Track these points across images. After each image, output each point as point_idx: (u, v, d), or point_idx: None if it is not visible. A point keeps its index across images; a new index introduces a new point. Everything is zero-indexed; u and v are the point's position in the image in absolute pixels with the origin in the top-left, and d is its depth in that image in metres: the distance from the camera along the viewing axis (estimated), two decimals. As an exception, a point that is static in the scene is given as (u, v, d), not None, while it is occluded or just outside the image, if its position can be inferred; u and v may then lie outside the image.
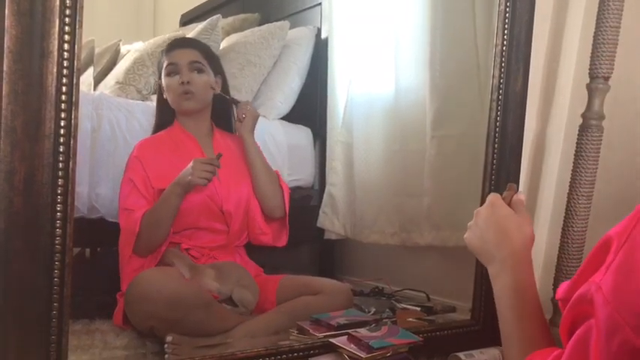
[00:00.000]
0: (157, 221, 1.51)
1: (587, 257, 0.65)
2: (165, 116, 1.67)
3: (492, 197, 0.97)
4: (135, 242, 1.48)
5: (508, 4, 1.38)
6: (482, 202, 1.44)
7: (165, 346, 1.30)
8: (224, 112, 1.72)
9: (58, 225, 0.92)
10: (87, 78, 2.33)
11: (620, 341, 0.54)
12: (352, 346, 1.18)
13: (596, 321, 0.58)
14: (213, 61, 1.68)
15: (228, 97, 1.69)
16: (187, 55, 1.62)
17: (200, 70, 1.62)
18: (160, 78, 1.66)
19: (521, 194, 0.98)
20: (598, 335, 0.57)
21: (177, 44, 1.68)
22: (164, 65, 1.62)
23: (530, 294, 0.87)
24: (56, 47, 0.90)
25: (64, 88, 0.91)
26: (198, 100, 1.62)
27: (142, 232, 1.48)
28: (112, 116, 1.74)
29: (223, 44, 2.30)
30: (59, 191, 0.92)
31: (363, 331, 1.23)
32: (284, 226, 1.71)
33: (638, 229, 0.58)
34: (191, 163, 1.48)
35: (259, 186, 1.66)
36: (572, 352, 0.61)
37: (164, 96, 1.64)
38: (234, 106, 1.70)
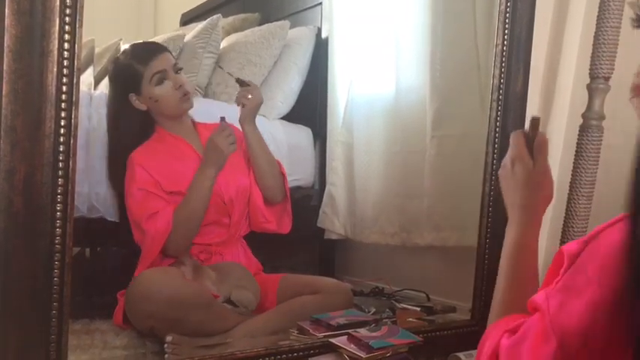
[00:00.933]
0: (194, 210, 1.50)
1: (551, 263, 0.70)
2: (144, 128, 1.60)
3: (514, 150, 0.95)
4: (166, 242, 1.47)
5: (509, 4, 1.38)
6: (483, 202, 1.46)
7: (165, 345, 1.30)
8: None
9: (57, 224, 0.92)
10: (87, 77, 2.33)
11: (549, 350, 0.62)
12: (352, 346, 1.19)
13: (535, 325, 0.65)
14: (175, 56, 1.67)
15: (235, 77, 1.66)
16: (169, 59, 1.58)
17: (180, 69, 1.59)
18: (130, 92, 1.56)
19: (543, 135, 0.96)
20: (534, 337, 0.65)
21: (155, 51, 1.58)
22: (147, 77, 1.54)
23: (526, 255, 0.91)
24: (56, 46, 0.90)
25: (64, 88, 0.91)
26: (192, 97, 1.62)
27: (177, 229, 1.47)
28: (112, 116, 1.73)
29: (223, 44, 2.29)
30: (59, 191, 0.92)
31: (363, 331, 1.23)
32: (286, 211, 1.71)
33: (584, 255, 0.63)
34: (212, 142, 1.50)
35: (261, 171, 1.65)
36: (517, 339, 0.68)
37: (143, 109, 1.57)
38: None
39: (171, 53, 1.62)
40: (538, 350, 0.63)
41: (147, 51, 1.59)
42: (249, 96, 1.60)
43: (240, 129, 1.65)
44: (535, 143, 0.95)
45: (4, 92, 0.86)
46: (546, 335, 0.62)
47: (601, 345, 0.59)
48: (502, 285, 0.89)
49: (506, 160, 0.97)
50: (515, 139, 0.96)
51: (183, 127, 1.63)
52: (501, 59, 1.40)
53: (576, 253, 0.64)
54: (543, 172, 0.94)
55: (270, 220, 1.66)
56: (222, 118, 1.53)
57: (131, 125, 1.59)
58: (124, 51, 1.64)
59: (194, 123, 1.67)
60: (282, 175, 1.70)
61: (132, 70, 1.56)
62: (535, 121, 0.98)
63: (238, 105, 1.63)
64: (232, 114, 1.71)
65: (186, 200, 1.51)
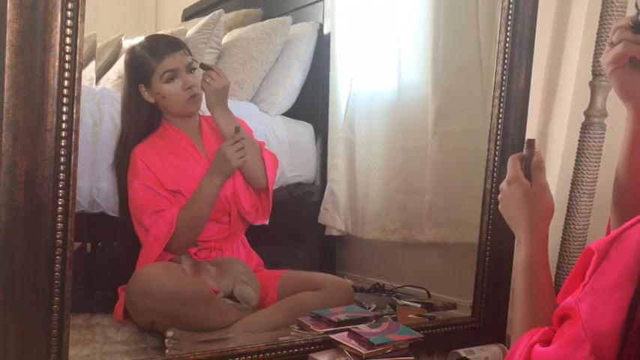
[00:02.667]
0: (198, 216, 1.51)
1: (575, 265, 0.70)
2: (151, 120, 1.60)
3: (510, 173, 0.98)
4: (171, 240, 1.47)
5: (511, 0, 1.38)
6: (484, 199, 1.45)
7: (166, 340, 1.31)
8: None
9: (59, 219, 0.92)
10: (89, 72, 2.33)
11: (582, 355, 0.61)
12: (353, 342, 1.18)
13: (568, 331, 0.64)
14: (192, 54, 1.63)
15: (198, 63, 1.61)
16: (183, 58, 1.55)
17: (194, 69, 1.57)
18: (139, 83, 1.56)
19: (539, 155, 0.97)
20: (567, 343, 0.64)
21: (170, 48, 1.55)
22: (158, 73, 1.53)
23: (539, 271, 0.91)
24: (58, 41, 0.90)
25: (65, 82, 0.91)
26: (201, 98, 1.59)
27: (181, 229, 1.47)
28: (113, 111, 1.73)
29: (225, 39, 2.29)
30: (60, 185, 0.92)
31: (363, 328, 1.23)
32: (266, 202, 1.65)
33: (612, 252, 0.62)
34: (221, 151, 1.49)
35: None
36: (550, 347, 0.67)
37: (151, 101, 1.56)
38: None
39: (188, 51, 1.59)
40: (572, 356, 0.62)
41: (163, 46, 1.56)
42: (208, 80, 1.55)
43: (247, 123, 1.66)
44: (532, 163, 0.97)
45: (5, 86, 0.86)
46: (579, 340, 0.62)
47: (636, 346, 0.58)
48: (521, 301, 0.90)
49: (503, 183, 0.99)
50: (511, 162, 0.99)
51: (189, 124, 1.62)
52: (504, 56, 1.39)
53: (602, 253, 0.63)
54: (542, 188, 0.95)
55: (249, 212, 1.63)
56: (237, 129, 1.52)
57: (139, 115, 1.59)
58: (141, 42, 1.61)
59: (200, 118, 1.65)
60: (264, 160, 1.62)
61: (144, 62, 1.54)
62: (530, 142, 0.99)
63: (202, 90, 1.58)
64: (232, 109, 1.71)
65: (191, 204, 1.51)
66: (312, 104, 2.17)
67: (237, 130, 1.51)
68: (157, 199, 1.50)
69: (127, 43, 2.54)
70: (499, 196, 1.00)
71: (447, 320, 1.49)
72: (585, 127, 1.40)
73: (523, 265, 0.91)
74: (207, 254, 1.57)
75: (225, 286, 1.48)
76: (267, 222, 1.67)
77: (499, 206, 1.00)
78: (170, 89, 1.54)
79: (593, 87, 1.38)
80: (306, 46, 2.18)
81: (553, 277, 1.45)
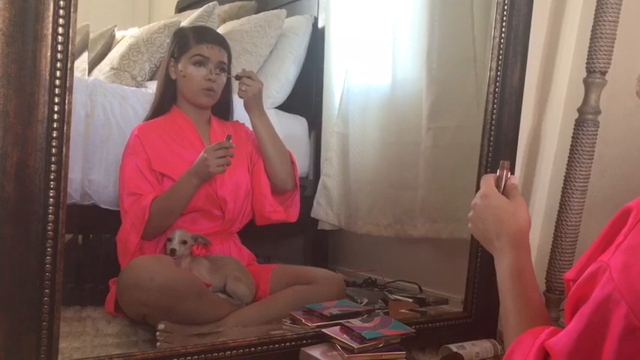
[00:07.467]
0: (169, 210, 1.52)
1: (600, 234, 0.67)
2: (166, 100, 1.65)
3: (485, 188, 0.98)
4: (144, 228, 1.48)
5: (507, -4, 1.38)
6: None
7: (157, 333, 1.30)
8: (223, 103, 1.71)
9: (50, 211, 0.92)
10: (81, 63, 2.30)
11: (619, 315, 0.57)
12: (345, 336, 1.19)
13: (593, 297, 0.60)
14: (230, 62, 1.68)
15: (231, 76, 1.68)
16: (219, 54, 1.62)
17: (223, 70, 1.63)
18: (172, 56, 1.63)
19: (514, 178, 0.99)
20: (600, 304, 0.60)
21: (212, 39, 1.64)
22: (191, 53, 1.60)
23: (527, 277, 0.91)
24: (50, 31, 0.89)
25: (57, 73, 0.90)
26: (215, 97, 1.64)
27: (152, 219, 1.48)
28: (105, 102, 1.72)
29: (219, 32, 2.28)
30: (52, 177, 0.91)
31: (355, 322, 1.24)
32: (294, 200, 1.72)
33: None
34: (203, 154, 1.48)
35: (270, 159, 1.67)
36: (584, 328, 0.62)
37: (172, 77, 1.62)
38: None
39: (228, 53, 1.65)
40: (604, 321, 0.59)
41: (207, 35, 1.67)
42: (243, 88, 1.63)
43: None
44: (508, 184, 0.98)
45: (-4, 76, 0.85)
46: (613, 302, 0.58)
47: None
48: (513, 306, 0.89)
49: (476, 199, 0.98)
50: (484, 180, 0.99)
51: (199, 115, 1.66)
52: (498, 52, 1.39)
53: None
54: (521, 203, 0.96)
55: (278, 210, 1.67)
56: (228, 137, 1.51)
57: (161, 89, 1.66)
58: (192, 26, 1.78)
59: (211, 116, 1.69)
60: (293, 163, 1.71)
61: (185, 39, 1.63)
62: (505, 165, 1.00)
63: (240, 98, 1.65)
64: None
65: (166, 196, 1.52)
66: (306, 98, 2.17)
67: (228, 138, 1.51)
68: (139, 182, 1.52)
69: (120, 35, 2.52)
70: (470, 213, 0.99)
71: (438, 315, 1.50)
72: (579, 124, 1.40)
73: (512, 271, 0.91)
74: (198, 249, 1.56)
75: (218, 281, 1.48)
76: (295, 219, 1.73)
77: (470, 222, 0.99)
78: (193, 72, 1.60)
79: (587, 84, 1.38)
80: (300, 39, 2.17)
81: (544, 274, 1.45)
